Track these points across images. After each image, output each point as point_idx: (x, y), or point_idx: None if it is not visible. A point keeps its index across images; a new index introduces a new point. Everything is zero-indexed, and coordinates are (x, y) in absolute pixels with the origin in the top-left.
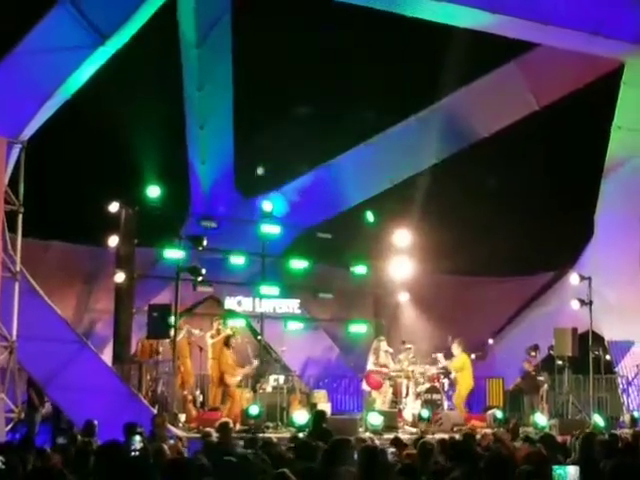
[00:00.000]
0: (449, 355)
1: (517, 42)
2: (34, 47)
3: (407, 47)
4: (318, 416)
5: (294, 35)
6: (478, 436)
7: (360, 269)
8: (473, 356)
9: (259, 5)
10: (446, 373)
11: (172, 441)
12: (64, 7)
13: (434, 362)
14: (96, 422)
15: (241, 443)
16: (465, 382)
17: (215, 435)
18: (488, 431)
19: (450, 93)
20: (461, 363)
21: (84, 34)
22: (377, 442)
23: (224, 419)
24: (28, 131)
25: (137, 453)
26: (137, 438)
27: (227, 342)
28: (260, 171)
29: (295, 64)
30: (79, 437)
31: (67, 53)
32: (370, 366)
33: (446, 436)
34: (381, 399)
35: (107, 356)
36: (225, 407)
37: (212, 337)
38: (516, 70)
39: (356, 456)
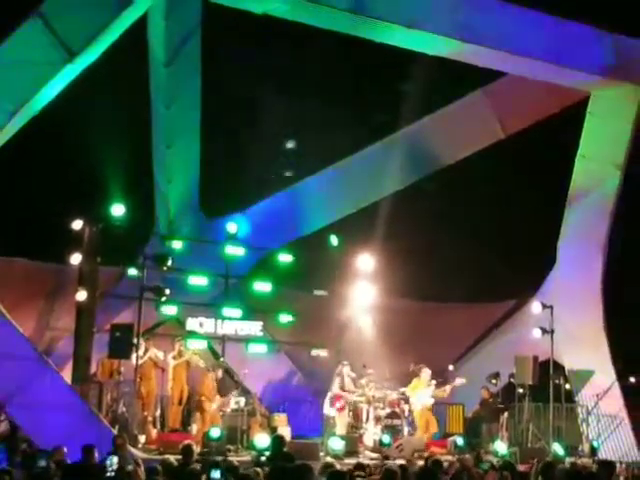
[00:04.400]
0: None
1: (485, 70)
2: (2, 62)
3: (375, 72)
4: (278, 441)
5: (263, 57)
6: (445, 464)
7: (323, 292)
8: (434, 382)
9: (229, 24)
10: (406, 399)
11: (130, 467)
12: (34, 22)
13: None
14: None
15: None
16: None
17: (175, 458)
18: (450, 457)
19: (417, 119)
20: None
21: (53, 50)
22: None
23: (187, 441)
24: None
25: (113, 474)
26: (114, 459)
27: (210, 370)
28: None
29: (263, 85)
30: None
31: (35, 69)
32: (336, 389)
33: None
34: (342, 423)
35: (67, 375)
36: (194, 428)
37: (174, 358)
38: (483, 98)
39: None
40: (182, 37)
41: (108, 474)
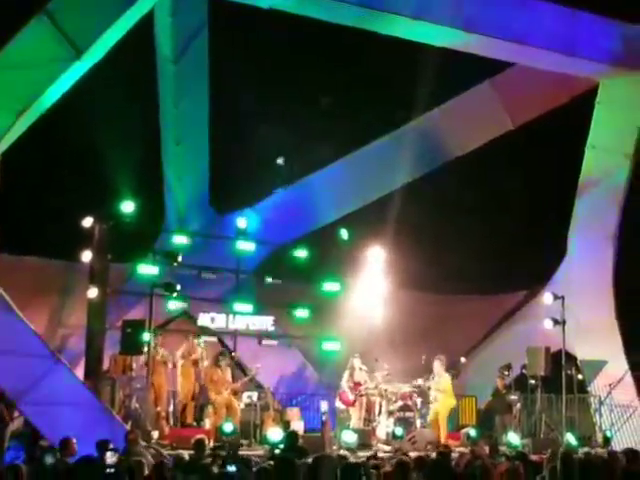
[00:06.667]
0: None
1: (492, 61)
2: (10, 60)
3: (382, 65)
4: (292, 436)
5: (270, 51)
6: (455, 455)
7: (334, 286)
8: (446, 374)
9: (236, 20)
10: (419, 392)
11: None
12: (41, 20)
13: (421, 392)
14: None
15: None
16: (448, 401)
17: (187, 452)
18: (463, 449)
19: (425, 112)
20: (446, 383)
21: (60, 48)
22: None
23: (200, 436)
24: (2, 145)
25: (112, 470)
26: (109, 454)
27: (216, 361)
28: (281, 160)
29: (271, 81)
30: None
31: (43, 67)
32: (344, 383)
33: (421, 454)
34: (357, 416)
35: (79, 372)
36: (207, 423)
37: (183, 357)
38: (491, 89)
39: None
40: (189, 34)
41: (107, 470)
